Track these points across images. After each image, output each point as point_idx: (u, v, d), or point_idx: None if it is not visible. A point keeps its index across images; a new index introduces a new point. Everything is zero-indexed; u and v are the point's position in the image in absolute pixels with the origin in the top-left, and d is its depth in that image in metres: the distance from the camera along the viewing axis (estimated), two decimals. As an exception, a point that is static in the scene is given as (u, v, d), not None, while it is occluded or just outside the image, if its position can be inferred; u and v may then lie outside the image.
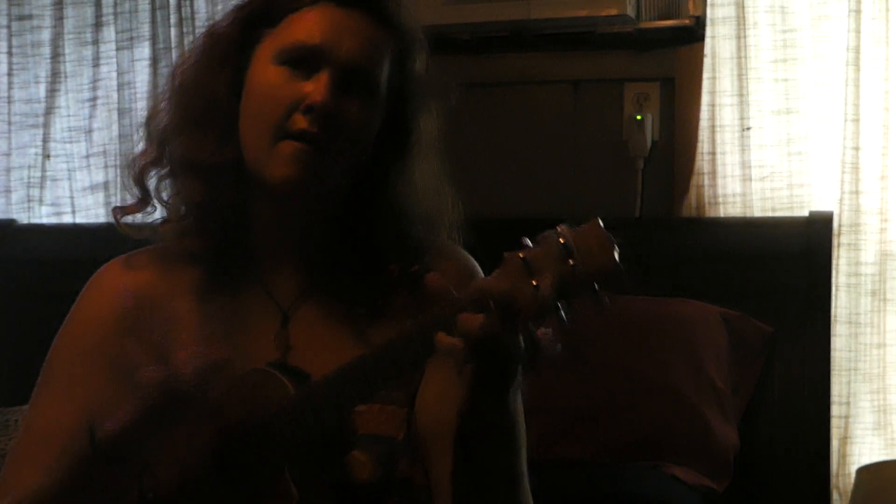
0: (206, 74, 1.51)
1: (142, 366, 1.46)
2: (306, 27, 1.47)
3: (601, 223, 1.29)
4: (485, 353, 1.29)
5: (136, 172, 1.55)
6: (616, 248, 1.27)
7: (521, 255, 1.28)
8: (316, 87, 1.44)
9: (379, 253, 1.52)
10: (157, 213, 1.58)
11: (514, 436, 1.41)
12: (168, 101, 1.54)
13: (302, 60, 1.46)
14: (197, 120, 1.50)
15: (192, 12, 3.30)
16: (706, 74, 2.94)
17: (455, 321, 1.28)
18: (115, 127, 3.39)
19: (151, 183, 1.55)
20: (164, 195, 1.55)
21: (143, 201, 1.56)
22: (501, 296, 1.27)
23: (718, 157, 2.96)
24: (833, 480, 2.78)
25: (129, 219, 1.58)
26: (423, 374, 1.48)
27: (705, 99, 2.95)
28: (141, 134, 1.57)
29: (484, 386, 1.33)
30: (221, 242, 1.51)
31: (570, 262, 1.26)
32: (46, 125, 3.44)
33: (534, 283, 1.26)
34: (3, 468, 1.52)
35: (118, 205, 1.60)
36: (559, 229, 1.29)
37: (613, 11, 2.95)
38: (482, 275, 1.56)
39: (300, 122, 1.44)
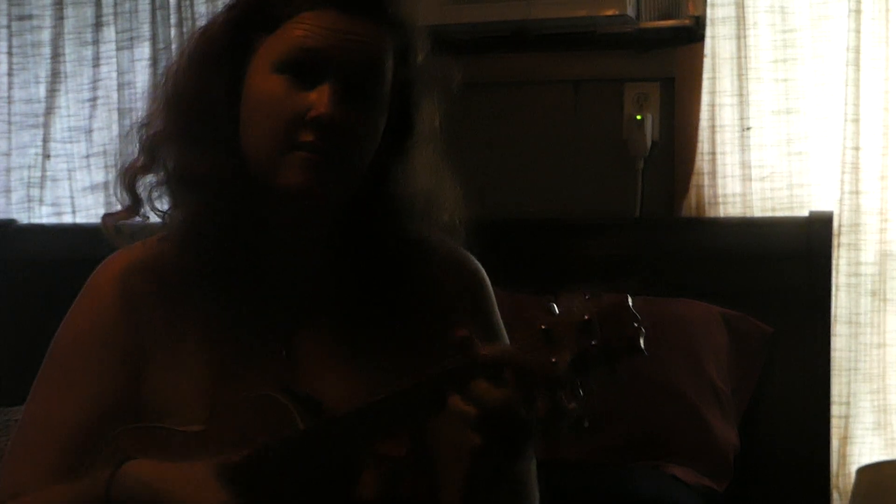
0: (201, 80, 1.47)
1: (148, 359, 1.46)
2: (305, 35, 1.42)
3: (630, 302, 1.26)
4: (496, 423, 1.28)
5: (128, 179, 1.51)
6: (643, 330, 1.25)
7: (542, 325, 1.26)
8: (319, 100, 1.40)
9: (384, 254, 1.49)
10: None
11: (524, 497, 1.41)
12: (161, 107, 1.50)
13: (303, 69, 1.42)
14: (193, 129, 1.46)
15: (192, 12, 3.30)
16: (706, 74, 2.94)
17: (469, 385, 1.28)
18: (115, 127, 3.39)
19: (143, 190, 1.51)
20: (158, 204, 1.52)
21: (133, 208, 1.52)
22: (521, 368, 1.26)
23: (718, 157, 2.96)
24: (833, 480, 2.78)
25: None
26: None
27: (705, 99, 2.95)
28: (133, 140, 1.52)
29: (492, 451, 1.31)
30: (223, 257, 1.47)
31: (592, 342, 1.24)
32: (46, 125, 3.44)
33: (552, 359, 1.25)
34: (3, 464, 1.50)
35: (107, 213, 1.56)
36: (587, 299, 1.26)
37: (613, 11, 2.95)
38: (489, 287, 1.56)
39: (306, 135, 1.40)
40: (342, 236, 1.50)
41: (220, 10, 1.53)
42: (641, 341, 1.25)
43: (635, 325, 1.25)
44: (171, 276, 1.49)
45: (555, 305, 1.28)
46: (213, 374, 1.46)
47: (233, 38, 1.47)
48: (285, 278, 1.50)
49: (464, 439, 1.29)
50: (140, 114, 1.55)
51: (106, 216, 1.55)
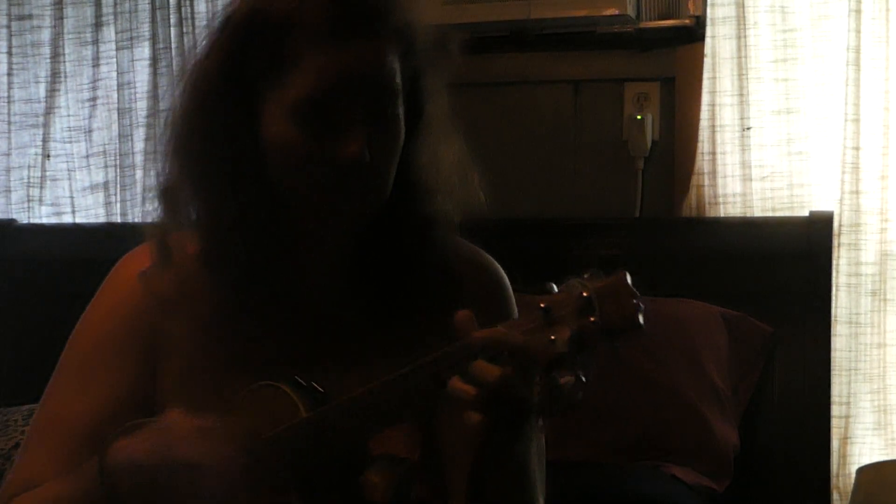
0: (205, 128, 1.43)
1: (169, 356, 1.46)
2: (319, 81, 1.37)
3: (628, 278, 1.26)
4: (496, 402, 1.28)
5: (160, 237, 1.49)
6: (641, 306, 1.25)
7: (542, 303, 1.26)
8: (344, 144, 1.37)
9: (407, 259, 1.48)
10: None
11: (526, 478, 1.42)
12: (171, 156, 1.46)
13: (319, 115, 1.38)
14: (209, 179, 1.44)
15: (192, 12, 3.31)
16: (706, 74, 2.94)
17: (468, 366, 1.28)
18: (115, 127, 3.40)
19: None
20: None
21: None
22: (517, 348, 1.26)
23: (718, 157, 2.96)
24: (833, 480, 2.78)
25: None
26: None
27: (705, 99, 2.95)
28: (153, 195, 1.49)
29: (493, 431, 1.32)
30: (246, 275, 1.46)
31: (591, 318, 1.24)
32: (46, 125, 3.44)
33: (552, 337, 1.25)
34: (16, 457, 1.50)
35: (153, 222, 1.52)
36: (585, 279, 1.27)
37: (613, 11, 2.95)
38: (510, 291, 1.56)
39: (339, 180, 1.39)
40: (366, 238, 1.48)
41: (203, 50, 1.44)
42: (640, 317, 1.25)
43: (634, 301, 1.25)
44: (193, 281, 1.48)
45: (554, 286, 1.28)
46: (229, 378, 1.45)
47: (235, 84, 1.41)
48: (307, 284, 1.49)
49: (464, 421, 1.29)
50: (156, 168, 1.51)
51: (150, 226, 1.52)
